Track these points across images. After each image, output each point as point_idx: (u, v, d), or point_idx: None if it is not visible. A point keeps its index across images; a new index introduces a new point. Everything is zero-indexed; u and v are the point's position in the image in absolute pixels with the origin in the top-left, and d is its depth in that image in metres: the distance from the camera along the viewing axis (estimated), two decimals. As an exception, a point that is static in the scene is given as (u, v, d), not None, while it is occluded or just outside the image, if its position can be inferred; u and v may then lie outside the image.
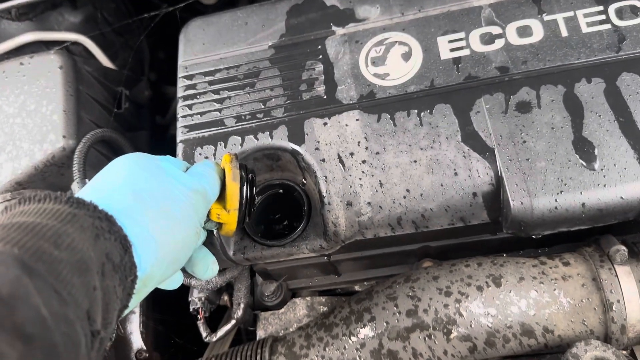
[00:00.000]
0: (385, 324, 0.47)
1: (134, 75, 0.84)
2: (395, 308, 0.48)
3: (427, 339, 0.46)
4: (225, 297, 0.65)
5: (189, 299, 0.63)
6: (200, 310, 0.61)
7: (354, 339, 0.48)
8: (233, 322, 0.61)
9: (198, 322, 0.61)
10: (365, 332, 0.48)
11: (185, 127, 0.58)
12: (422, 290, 0.48)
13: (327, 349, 0.48)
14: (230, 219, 0.46)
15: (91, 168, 0.62)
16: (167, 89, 1.02)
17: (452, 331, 0.46)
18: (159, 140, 0.87)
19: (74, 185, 0.59)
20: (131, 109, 0.78)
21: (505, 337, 0.47)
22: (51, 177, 0.63)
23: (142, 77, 0.87)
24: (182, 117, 0.59)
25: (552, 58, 0.53)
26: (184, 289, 0.62)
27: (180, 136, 0.57)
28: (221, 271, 0.59)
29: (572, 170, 0.48)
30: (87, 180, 0.58)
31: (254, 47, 0.60)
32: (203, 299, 0.61)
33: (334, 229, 0.52)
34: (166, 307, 0.72)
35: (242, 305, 0.60)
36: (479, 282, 0.48)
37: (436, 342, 0.46)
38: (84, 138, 0.61)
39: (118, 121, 0.74)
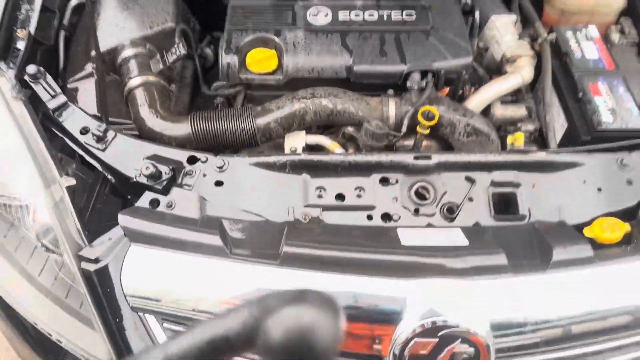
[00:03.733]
0: (286, 104, 1.25)
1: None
2: (297, 97, 1.27)
3: (305, 107, 1.25)
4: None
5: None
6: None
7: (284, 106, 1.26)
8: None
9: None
10: (288, 104, 1.26)
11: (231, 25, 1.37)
12: (307, 93, 1.27)
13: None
14: None
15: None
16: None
17: (323, 104, 1.25)
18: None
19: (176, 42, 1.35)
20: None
21: (336, 113, 1.26)
22: (159, 40, 1.37)
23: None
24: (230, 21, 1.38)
25: (382, 25, 1.38)
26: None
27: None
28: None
29: (378, 59, 1.31)
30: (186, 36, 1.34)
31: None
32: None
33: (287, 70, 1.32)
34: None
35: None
36: (331, 93, 1.28)
37: (312, 107, 1.25)
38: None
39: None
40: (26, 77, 1.16)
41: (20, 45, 1.21)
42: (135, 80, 1.30)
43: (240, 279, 0.98)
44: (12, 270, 1.05)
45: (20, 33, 1.22)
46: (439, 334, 0.91)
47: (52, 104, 1.16)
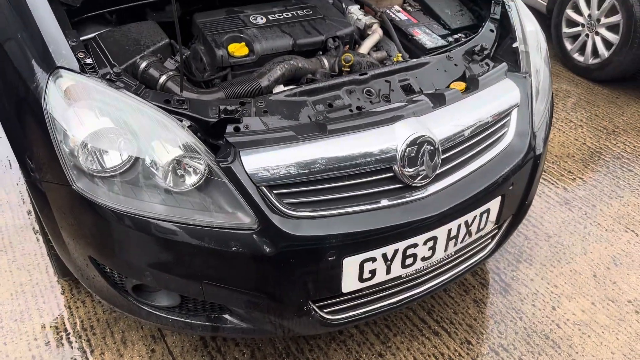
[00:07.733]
0: (272, 68, 2.00)
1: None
2: (277, 63, 2.01)
3: (283, 67, 2.00)
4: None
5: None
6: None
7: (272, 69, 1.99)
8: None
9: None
10: (274, 68, 1.99)
11: None
12: (281, 59, 2.03)
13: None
14: None
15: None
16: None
17: (292, 63, 2.02)
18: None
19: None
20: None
21: (298, 69, 2.05)
22: (163, 50, 1.95)
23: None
24: None
25: (296, 18, 2.21)
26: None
27: None
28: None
29: (307, 35, 2.14)
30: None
31: None
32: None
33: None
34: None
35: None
36: (292, 58, 2.06)
37: (286, 66, 2.01)
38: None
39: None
40: (110, 77, 1.67)
41: (89, 60, 1.70)
42: (163, 78, 1.87)
43: (307, 151, 1.70)
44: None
45: (81, 54, 1.71)
46: (417, 142, 1.79)
47: (134, 90, 1.68)
